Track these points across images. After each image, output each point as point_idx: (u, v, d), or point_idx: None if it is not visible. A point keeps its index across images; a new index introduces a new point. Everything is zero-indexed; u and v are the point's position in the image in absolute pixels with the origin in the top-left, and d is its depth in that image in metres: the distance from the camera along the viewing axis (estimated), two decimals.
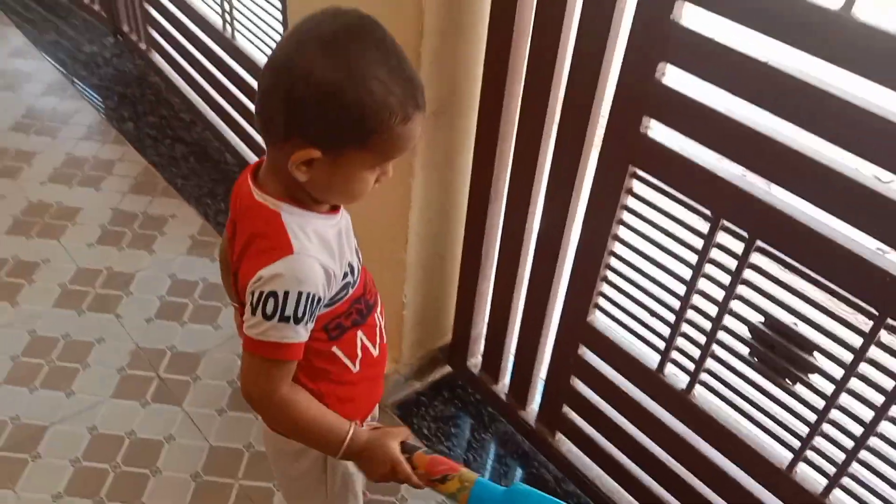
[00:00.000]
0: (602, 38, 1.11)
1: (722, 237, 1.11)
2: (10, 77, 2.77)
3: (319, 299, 0.86)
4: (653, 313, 1.28)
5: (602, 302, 1.36)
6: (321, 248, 0.86)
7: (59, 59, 2.89)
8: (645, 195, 1.20)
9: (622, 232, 1.26)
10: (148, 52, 2.83)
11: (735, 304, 1.14)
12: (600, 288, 1.34)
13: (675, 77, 1.07)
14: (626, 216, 1.24)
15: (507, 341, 1.62)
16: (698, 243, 1.14)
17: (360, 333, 0.99)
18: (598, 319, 1.38)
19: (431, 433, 1.68)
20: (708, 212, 1.11)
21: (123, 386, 1.72)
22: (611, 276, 1.31)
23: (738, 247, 1.10)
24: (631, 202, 1.22)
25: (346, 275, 0.92)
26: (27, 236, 2.09)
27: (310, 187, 0.85)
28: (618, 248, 1.28)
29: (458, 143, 1.41)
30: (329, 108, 0.78)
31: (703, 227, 1.12)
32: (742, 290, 1.12)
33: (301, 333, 0.86)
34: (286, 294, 0.82)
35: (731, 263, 1.11)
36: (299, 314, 0.84)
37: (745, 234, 1.07)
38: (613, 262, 1.30)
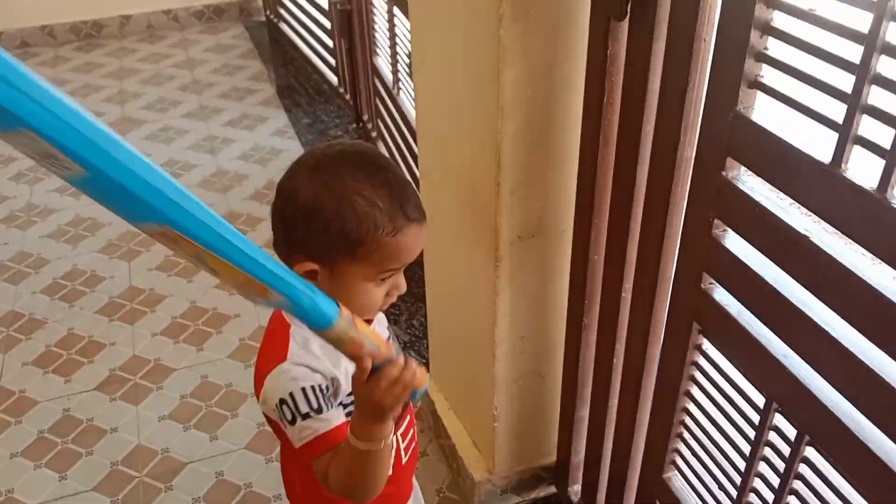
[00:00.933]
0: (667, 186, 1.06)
1: (779, 420, 0.98)
2: (264, 153, 3.25)
3: (327, 387, 0.90)
4: (719, 485, 1.15)
5: (677, 460, 1.24)
6: (318, 357, 0.90)
7: (306, 140, 3.33)
8: (712, 355, 1.10)
9: (693, 390, 1.16)
10: (376, 141, 3.15)
11: (792, 501, 0.99)
12: (674, 444, 1.23)
13: (733, 240, 0.99)
14: (697, 374, 1.14)
15: (602, 474, 1.53)
16: (756, 419, 1.02)
17: None
18: (674, 479, 1.27)
19: None
20: (762, 392, 0.99)
21: (257, 440, 1.90)
22: (685, 434, 1.21)
23: (792, 434, 0.96)
24: (700, 360, 1.12)
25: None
26: (230, 291, 2.42)
27: None
28: (690, 406, 1.17)
29: (552, 265, 1.40)
30: (313, 223, 0.85)
31: (761, 402, 1.00)
32: (797, 485, 0.97)
33: (331, 418, 0.88)
34: (291, 395, 0.87)
35: (786, 450, 0.97)
36: (314, 405, 0.88)
37: (794, 426, 0.94)
38: (687, 420, 1.19)
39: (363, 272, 0.87)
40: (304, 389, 0.87)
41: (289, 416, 0.87)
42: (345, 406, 0.95)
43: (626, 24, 1.09)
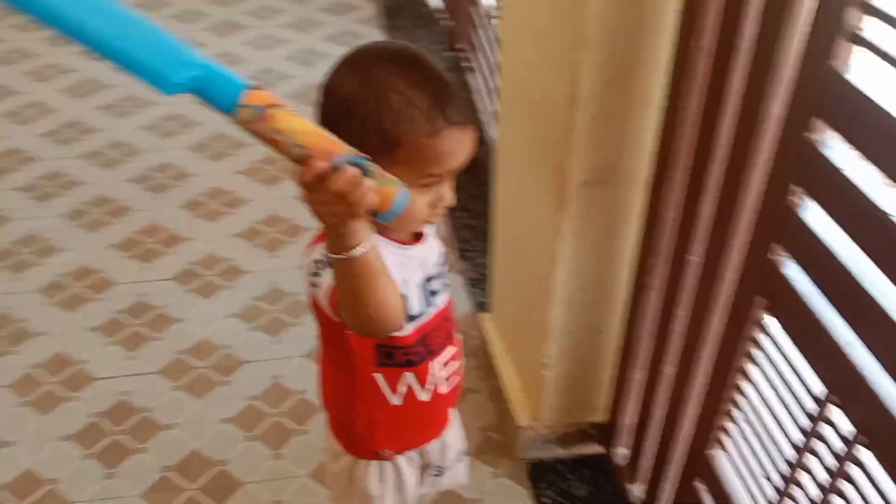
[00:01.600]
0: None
1: (835, 414, 0.90)
2: None
3: None
4: (763, 471, 1.08)
5: (723, 438, 1.18)
6: None
7: None
8: (773, 334, 1.01)
9: (749, 367, 1.08)
10: (467, 72, 3.06)
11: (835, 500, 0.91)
12: (721, 421, 1.16)
13: (814, 213, 0.89)
14: (755, 351, 1.06)
15: (648, 441, 1.48)
16: (812, 408, 0.94)
17: (407, 373, 1.00)
18: (717, 457, 1.20)
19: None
20: (822, 381, 0.90)
21: (173, 368, 1.88)
22: (734, 412, 1.14)
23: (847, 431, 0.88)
24: (760, 337, 1.04)
25: None
26: None
27: None
28: (744, 384, 1.10)
29: (621, 216, 1.32)
30: (352, 119, 0.82)
31: (819, 391, 0.92)
32: (844, 486, 0.90)
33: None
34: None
35: (838, 448, 0.89)
36: None
37: (851, 423, 0.86)
38: (739, 398, 1.12)
39: (404, 175, 0.80)
40: None
41: (322, 267, 0.86)
42: None
43: None
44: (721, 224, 1.07)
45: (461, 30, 3.17)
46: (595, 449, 1.69)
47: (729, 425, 1.16)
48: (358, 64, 0.85)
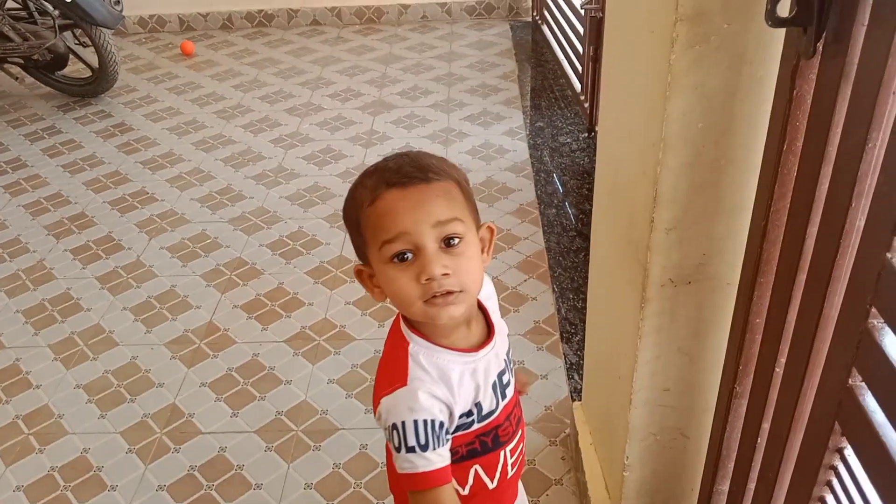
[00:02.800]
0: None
1: None
2: (491, 150, 3.31)
3: (441, 423, 0.88)
4: None
5: None
6: (437, 381, 0.89)
7: (534, 143, 3.34)
8: (851, 463, 0.92)
9: (827, 496, 0.98)
10: None
11: None
12: None
13: (889, 337, 0.81)
14: (833, 479, 0.96)
15: None
16: None
17: (475, 466, 0.99)
18: None
19: None
20: None
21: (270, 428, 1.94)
22: None
23: None
24: (839, 465, 0.95)
25: (469, 413, 0.93)
26: None
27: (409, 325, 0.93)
28: None
29: (710, 318, 1.26)
30: (346, 226, 0.92)
31: None
32: None
33: (433, 460, 0.87)
34: (403, 424, 0.87)
35: None
36: (422, 441, 0.87)
37: None
38: None
39: (377, 255, 0.87)
40: (416, 422, 0.86)
41: (395, 443, 0.87)
42: (459, 429, 0.93)
43: (816, 63, 0.94)
44: (803, 339, 1.00)
45: (598, 113, 3.20)
46: None
47: None
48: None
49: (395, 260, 0.85)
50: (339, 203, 2.98)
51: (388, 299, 0.91)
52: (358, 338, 2.26)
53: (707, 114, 1.08)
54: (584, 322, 2.19)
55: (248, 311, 2.41)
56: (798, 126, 0.99)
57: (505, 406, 0.98)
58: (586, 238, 2.65)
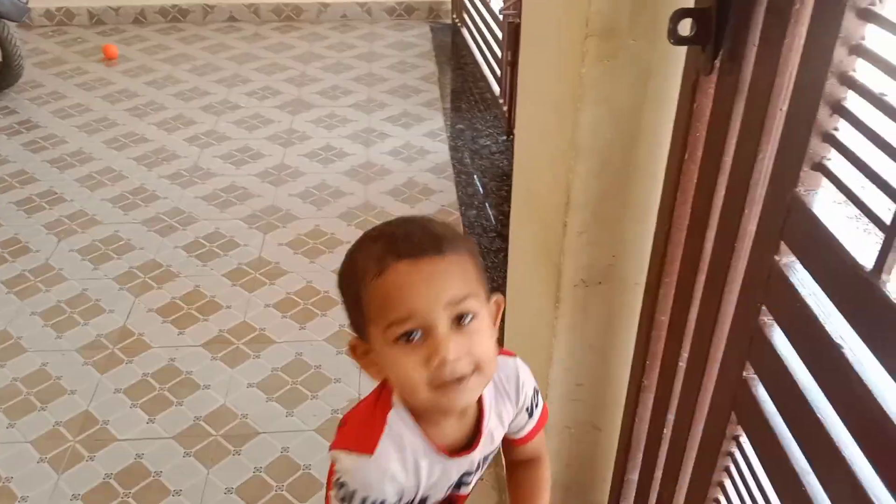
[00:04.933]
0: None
1: None
2: (413, 151, 3.34)
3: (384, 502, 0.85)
4: None
5: None
6: (403, 466, 0.85)
7: (454, 145, 3.39)
8: (747, 450, 1.00)
9: (726, 481, 1.06)
10: None
11: None
12: None
13: (777, 334, 0.89)
14: (731, 465, 1.04)
15: None
16: None
17: None
18: None
19: None
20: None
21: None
22: None
23: None
24: (735, 452, 1.02)
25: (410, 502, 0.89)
26: None
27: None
28: (720, 497, 1.07)
29: (619, 316, 1.33)
30: (342, 295, 0.83)
31: None
32: None
33: None
34: (353, 493, 0.84)
35: None
36: None
37: None
38: None
39: (379, 334, 0.77)
40: (365, 498, 0.84)
41: (339, 497, 0.85)
42: None
43: (714, 79, 1.01)
44: (703, 335, 1.07)
45: (516, 117, 3.27)
46: None
47: None
48: (351, 246, 0.84)
49: (402, 340, 0.76)
50: (257, 204, 2.99)
51: (389, 381, 0.85)
52: (278, 341, 2.25)
53: (615, 125, 1.14)
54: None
55: (163, 314, 2.36)
56: (698, 137, 1.06)
57: (449, 497, 0.94)
58: (506, 239, 2.71)
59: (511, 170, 3.10)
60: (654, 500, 1.32)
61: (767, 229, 0.89)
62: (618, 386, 1.41)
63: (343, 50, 4.47)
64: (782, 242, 0.86)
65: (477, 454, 0.91)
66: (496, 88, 3.72)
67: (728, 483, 1.05)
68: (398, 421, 0.84)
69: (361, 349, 0.82)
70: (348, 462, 0.84)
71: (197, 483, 1.80)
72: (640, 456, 1.39)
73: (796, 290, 0.84)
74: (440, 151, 3.34)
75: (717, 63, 0.99)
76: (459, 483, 0.93)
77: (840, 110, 0.76)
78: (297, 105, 3.78)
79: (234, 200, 2.97)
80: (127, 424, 1.96)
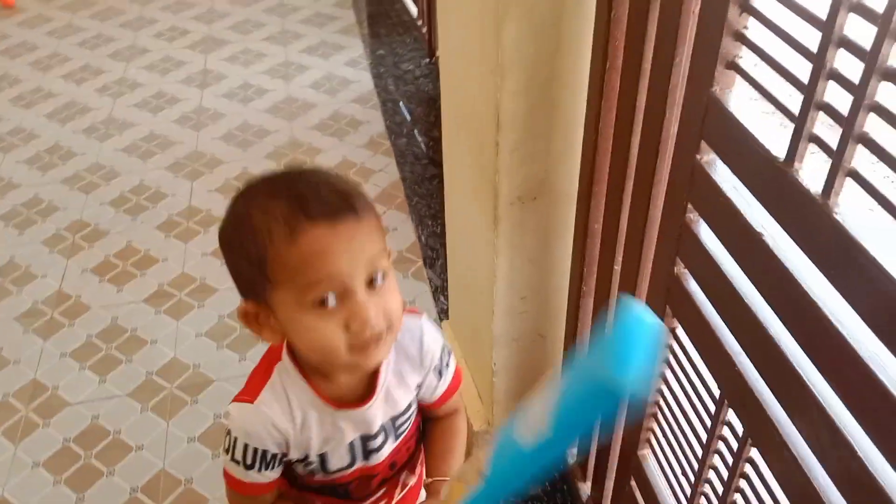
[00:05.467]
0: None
1: (731, 416, 0.95)
2: (335, 82, 3.27)
3: (273, 455, 0.85)
4: (682, 470, 1.13)
5: (651, 439, 1.23)
6: (283, 414, 0.83)
7: (377, 73, 3.33)
8: (682, 340, 1.06)
9: (666, 372, 1.13)
10: None
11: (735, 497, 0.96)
12: (649, 423, 1.21)
13: (704, 229, 0.94)
14: (669, 356, 1.11)
15: (591, 443, 1.52)
16: (713, 410, 0.99)
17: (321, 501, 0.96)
18: (648, 457, 1.25)
19: None
20: (718, 385, 0.95)
21: (143, 389, 1.94)
22: (658, 414, 1.18)
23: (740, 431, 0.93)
24: (673, 343, 1.09)
25: (307, 461, 0.88)
26: None
27: (303, 351, 0.81)
28: (663, 387, 1.15)
29: (555, 228, 1.37)
30: (228, 255, 0.77)
31: (718, 394, 0.97)
32: (742, 484, 0.94)
33: (254, 477, 0.86)
34: (235, 440, 0.84)
35: (735, 447, 0.94)
36: (248, 462, 0.85)
37: (742, 425, 0.91)
38: (660, 400, 1.17)
39: (289, 298, 0.73)
40: (246, 446, 0.84)
41: (225, 446, 0.86)
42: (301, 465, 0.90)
43: None
44: (635, 237, 1.12)
45: (437, 38, 3.23)
46: None
47: (654, 427, 1.20)
48: (234, 199, 0.78)
49: (317, 305, 0.72)
50: (180, 151, 2.90)
51: (285, 345, 0.84)
52: (220, 288, 2.24)
53: (537, 39, 1.15)
54: (444, 246, 2.28)
55: (99, 273, 2.31)
56: (617, 45, 1.08)
57: (365, 468, 0.92)
58: (438, 165, 2.72)
59: (437, 94, 3.08)
60: None
61: (688, 130, 0.93)
62: (559, 296, 1.47)
63: None
64: (703, 141, 0.90)
65: (374, 412, 0.87)
66: (413, 10, 3.65)
67: (668, 374, 1.12)
68: (283, 372, 0.83)
69: (255, 314, 0.77)
70: (234, 410, 0.84)
71: (158, 436, 1.81)
72: None
73: (718, 186, 0.88)
74: (363, 80, 3.28)
75: None
76: (368, 450, 0.90)
77: (748, 9, 0.79)
78: (209, 43, 3.64)
79: (156, 150, 2.88)
80: (78, 387, 1.94)
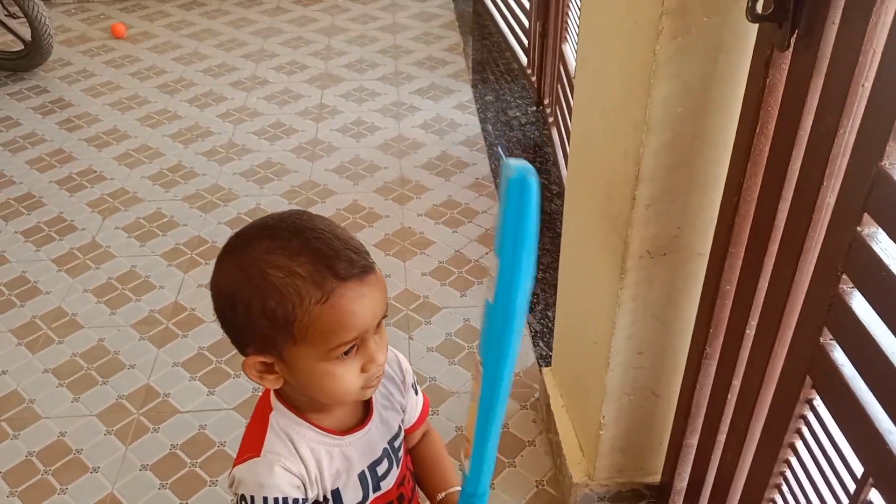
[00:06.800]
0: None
1: (874, 496, 0.92)
2: (444, 124, 3.36)
3: (295, 500, 0.83)
4: None
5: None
6: (292, 454, 0.84)
7: (484, 117, 3.40)
8: (821, 413, 1.04)
9: (798, 443, 1.10)
10: (550, 128, 3.16)
11: None
12: (769, 493, 1.18)
13: (858, 300, 0.93)
14: (803, 427, 1.08)
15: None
16: (851, 487, 0.96)
17: None
18: None
19: None
20: (862, 462, 0.93)
21: (247, 405, 1.99)
22: (783, 485, 1.16)
23: None
24: (809, 415, 1.07)
25: (325, 500, 0.88)
26: (385, 252, 2.56)
27: (299, 392, 0.83)
28: (792, 458, 1.12)
29: (682, 286, 1.37)
30: (238, 311, 0.76)
31: (860, 472, 0.94)
32: None
33: None
34: (252, 499, 0.82)
35: None
36: None
37: None
38: (787, 471, 1.14)
39: (314, 353, 0.76)
40: (265, 499, 0.82)
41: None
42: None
43: (788, 55, 1.04)
44: (775, 303, 1.11)
45: (546, 87, 3.28)
46: None
47: (776, 497, 1.17)
48: (234, 249, 0.78)
49: (339, 357, 0.77)
50: (295, 179, 3.02)
51: (292, 390, 0.84)
52: (208, 320, 2.29)
53: (686, 99, 1.17)
54: (545, 291, 2.30)
55: (97, 295, 2.39)
56: (770, 111, 1.09)
57: (378, 498, 0.93)
58: (541, 211, 2.74)
59: (543, 140, 3.14)
60: (717, 463, 1.37)
61: (849, 201, 0.92)
62: (678, 354, 1.46)
63: (366, 22, 4.47)
64: (865, 213, 0.89)
65: (374, 436, 0.90)
66: (523, 58, 3.72)
67: (800, 444, 1.10)
68: (280, 418, 0.85)
69: (271, 364, 0.79)
70: (243, 472, 0.83)
71: (114, 460, 1.85)
72: (700, 421, 1.44)
73: (880, 259, 0.87)
74: (470, 124, 3.36)
75: (793, 40, 1.01)
76: (377, 479, 0.91)
77: None
78: (326, 79, 3.80)
79: (272, 176, 3.01)
80: (188, 396, 2.03)
